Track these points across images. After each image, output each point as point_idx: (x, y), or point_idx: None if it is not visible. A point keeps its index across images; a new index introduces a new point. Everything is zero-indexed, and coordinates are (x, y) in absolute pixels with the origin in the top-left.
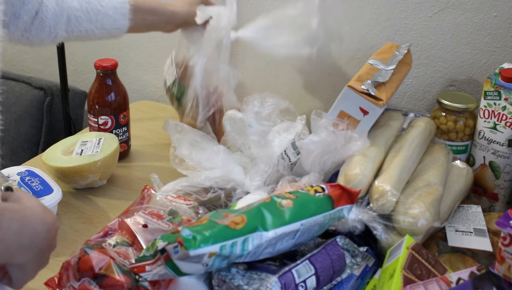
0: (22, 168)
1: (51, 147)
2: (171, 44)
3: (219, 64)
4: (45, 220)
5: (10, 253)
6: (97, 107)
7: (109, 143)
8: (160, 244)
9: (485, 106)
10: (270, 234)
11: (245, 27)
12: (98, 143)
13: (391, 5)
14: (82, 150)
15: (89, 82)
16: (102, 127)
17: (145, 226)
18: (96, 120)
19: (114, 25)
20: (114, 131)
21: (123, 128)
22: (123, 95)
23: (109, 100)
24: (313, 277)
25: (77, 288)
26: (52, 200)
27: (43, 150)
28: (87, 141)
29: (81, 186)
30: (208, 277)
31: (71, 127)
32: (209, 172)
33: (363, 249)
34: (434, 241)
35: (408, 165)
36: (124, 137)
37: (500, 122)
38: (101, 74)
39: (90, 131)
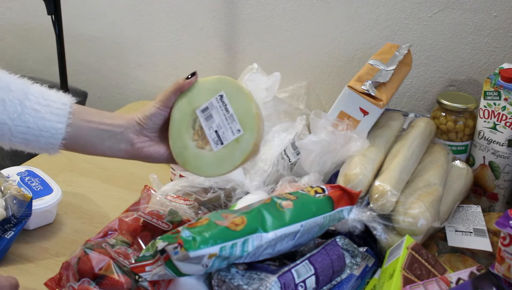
0: (22, 168)
1: (171, 136)
2: (172, 44)
3: None
4: None
5: None
6: None
7: (237, 98)
8: (160, 245)
9: (485, 106)
10: (270, 235)
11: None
12: (226, 108)
13: (391, 5)
14: (216, 131)
15: (89, 82)
16: None
17: (145, 226)
18: None
19: (43, 125)
20: None
21: None
22: None
23: None
24: (313, 277)
25: (77, 288)
26: (52, 200)
27: None
28: (207, 107)
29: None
30: (208, 277)
31: None
32: None
33: (363, 249)
34: (434, 241)
35: (408, 165)
36: None
37: (500, 122)
38: None
39: None
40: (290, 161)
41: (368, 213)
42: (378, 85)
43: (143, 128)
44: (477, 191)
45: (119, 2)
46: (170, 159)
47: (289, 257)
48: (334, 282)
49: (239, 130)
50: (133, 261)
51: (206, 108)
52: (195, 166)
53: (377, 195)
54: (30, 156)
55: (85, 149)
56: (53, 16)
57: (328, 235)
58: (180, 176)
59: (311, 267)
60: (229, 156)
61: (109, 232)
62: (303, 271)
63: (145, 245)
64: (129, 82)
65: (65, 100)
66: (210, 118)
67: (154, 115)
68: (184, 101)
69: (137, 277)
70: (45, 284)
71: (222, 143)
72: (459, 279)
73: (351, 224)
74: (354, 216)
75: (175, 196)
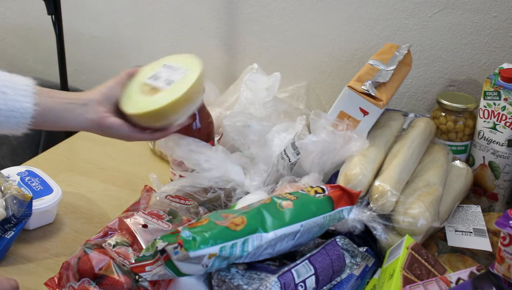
0: (22, 168)
1: (122, 96)
2: (172, 44)
3: None
4: None
5: None
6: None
7: (181, 60)
8: (160, 245)
9: (484, 106)
10: (270, 235)
11: None
12: (172, 67)
13: (391, 5)
14: (166, 79)
15: (89, 82)
16: None
17: (145, 226)
18: None
19: (13, 106)
20: None
21: None
22: (208, 124)
23: (193, 128)
24: (313, 277)
25: (77, 288)
26: (52, 200)
27: (43, 150)
28: (154, 74)
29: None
30: (207, 277)
31: None
32: (208, 172)
33: (362, 249)
34: (434, 241)
35: (408, 165)
36: None
37: (500, 122)
38: None
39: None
40: (290, 161)
41: (368, 213)
42: (378, 85)
43: (105, 99)
44: (477, 191)
45: (119, 2)
46: (129, 132)
47: (289, 257)
48: (334, 282)
49: (186, 70)
50: (133, 261)
51: (154, 75)
52: (147, 103)
53: (377, 195)
54: (30, 156)
55: (53, 123)
56: (53, 16)
57: (328, 235)
58: (180, 176)
59: (311, 267)
60: (180, 84)
61: (109, 232)
62: (303, 271)
63: (145, 245)
64: None
65: (27, 81)
66: (158, 78)
67: (113, 87)
68: (136, 77)
69: (137, 277)
70: (45, 284)
71: (172, 83)
72: (459, 279)
73: (351, 224)
74: (354, 216)
75: (175, 196)
